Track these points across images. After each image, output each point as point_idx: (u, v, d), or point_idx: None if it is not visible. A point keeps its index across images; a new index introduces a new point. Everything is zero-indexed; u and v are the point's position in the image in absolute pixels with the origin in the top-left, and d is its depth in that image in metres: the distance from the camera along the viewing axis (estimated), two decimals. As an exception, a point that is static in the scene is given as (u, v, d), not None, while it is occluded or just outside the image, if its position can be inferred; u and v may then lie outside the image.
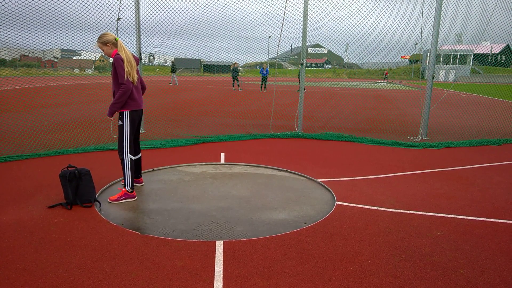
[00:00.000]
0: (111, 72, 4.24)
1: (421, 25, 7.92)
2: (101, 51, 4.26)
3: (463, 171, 5.97)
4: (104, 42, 4.17)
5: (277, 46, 8.81)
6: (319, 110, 13.76)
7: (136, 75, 4.28)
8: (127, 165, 4.34)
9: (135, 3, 8.11)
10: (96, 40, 4.20)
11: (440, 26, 8.10)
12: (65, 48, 8.50)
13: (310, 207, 4.31)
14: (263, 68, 25.06)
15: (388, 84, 40.77)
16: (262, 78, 25.21)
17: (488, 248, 3.35)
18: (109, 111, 4.21)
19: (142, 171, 5.40)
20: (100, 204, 4.20)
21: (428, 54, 8.56)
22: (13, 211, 3.96)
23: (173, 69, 29.13)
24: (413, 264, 3.03)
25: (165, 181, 5.16)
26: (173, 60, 28.95)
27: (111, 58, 4.24)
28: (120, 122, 4.31)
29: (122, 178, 4.41)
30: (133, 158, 4.42)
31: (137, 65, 4.39)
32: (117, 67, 4.09)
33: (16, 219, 3.74)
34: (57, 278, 2.72)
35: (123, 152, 4.34)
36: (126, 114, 4.29)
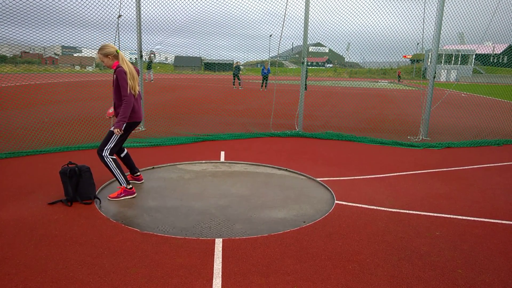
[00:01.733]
0: (113, 84, 4.23)
1: (423, 24, 7.91)
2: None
3: (463, 171, 5.98)
4: (105, 54, 4.17)
5: (278, 45, 8.80)
6: (320, 109, 13.76)
7: (138, 87, 4.30)
8: (111, 164, 4.31)
9: (136, 1, 8.11)
10: (97, 51, 4.21)
11: (442, 25, 8.10)
12: (66, 45, 8.54)
13: (310, 206, 4.31)
14: (264, 67, 25.03)
15: (390, 84, 40.68)
16: (263, 77, 25.17)
17: (486, 248, 3.35)
18: (118, 126, 4.18)
19: (142, 169, 5.42)
20: (100, 201, 4.21)
21: (430, 54, 8.55)
22: (13, 207, 3.97)
23: (149, 66, 29.23)
24: (411, 264, 3.04)
25: (165, 179, 5.17)
26: (151, 57, 29.03)
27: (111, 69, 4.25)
28: (112, 128, 4.31)
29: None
30: (113, 157, 4.37)
31: (138, 76, 4.39)
32: (120, 80, 4.10)
33: (16, 216, 3.75)
34: (57, 274, 2.74)
35: (103, 156, 4.28)
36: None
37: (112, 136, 4.29)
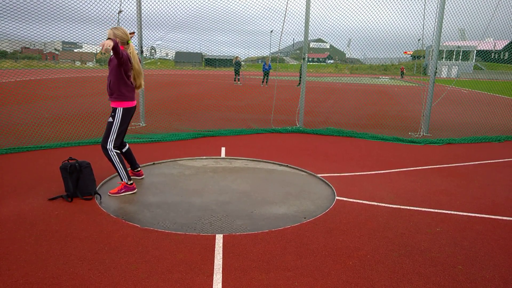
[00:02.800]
0: (108, 64, 4.22)
1: (423, 20, 7.88)
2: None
3: (463, 167, 5.97)
4: (115, 35, 4.08)
5: (279, 41, 8.78)
6: (321, 105, 13.74)
7: (142, 83, 4.31)
8: (114, 159, 4.30)
9: (136, -4, 8.08)
10: (111, 28, 4.14)
11: (443, 21, 8.06)
12: (66, 40, 8.49)
13: (310, 202, 4.31)
14: (265, 63, 25.03)
15: (391, 80, 40.55)
16: (264, 73, 25.17)
17: (487, 244, 3.35)
18: (110, 41, 3.76)
19: (143, 165, 5.42)
20: (100, 197, 4.21)
21: (431, 50, 8.52)
22: (13, 203, 3.97)
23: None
24: (412, 260, 3.04)
25: (166, 175, 5.17)
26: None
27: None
28: (110, 119, 4.29)
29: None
30: (118, 152, 4.38)
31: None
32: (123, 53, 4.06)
33: (16, 211, 3.76)
34: (57, 270, 2.74)
35: (107, 149, 4.29)
36: (119, 111, 4.27)
37: (111, 128, 4.28)
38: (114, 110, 4.28)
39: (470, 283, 2.74)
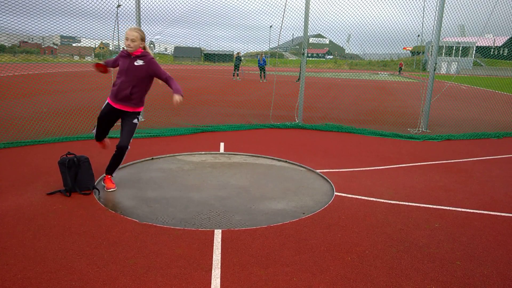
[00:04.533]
0: (127, 69, 4.04)
1: (423, 15, 7.85)
2: (128, 40, 3.97)
3: (462, 163, 5.97)
4: (143, 38, 4.03)
5: (278, 36, 8.74)
6: (320, 101, 13.71)
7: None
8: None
9: (135, -10, 8.02)
10: (134, 29, 4.00)
11: (443, 17, 8.03)
12: (64, 34, 8.44)
13: (309, 197, 4.31)
14: (259, 58, 25.07)
15: (390, 76, 40.47)
16: (260, 68, 25.17)
17: (485, 240, 3.36)
18: (179, 93, 3.95)
19: (141, 160, 5.44)
20: (99, 192, 4.20)
21: (431, 46, 8.50)
22: (12, 197, 3.96)
23: None
24: (410, 256, 3.04)
25: (164, 170, 5.16)
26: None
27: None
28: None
29: (120, 166, 4.42)
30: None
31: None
32: (157, 67, 4.08)
33: (15, 206, 3.75)
34: (55, 264, 2.74)
35: (128, 147, 4.30)
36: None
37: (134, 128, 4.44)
38: None
39: (468, 278, 2.75)
